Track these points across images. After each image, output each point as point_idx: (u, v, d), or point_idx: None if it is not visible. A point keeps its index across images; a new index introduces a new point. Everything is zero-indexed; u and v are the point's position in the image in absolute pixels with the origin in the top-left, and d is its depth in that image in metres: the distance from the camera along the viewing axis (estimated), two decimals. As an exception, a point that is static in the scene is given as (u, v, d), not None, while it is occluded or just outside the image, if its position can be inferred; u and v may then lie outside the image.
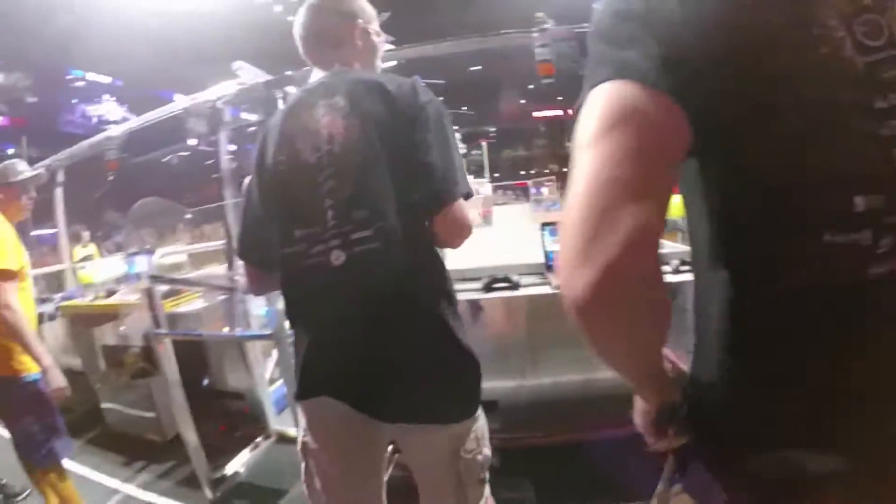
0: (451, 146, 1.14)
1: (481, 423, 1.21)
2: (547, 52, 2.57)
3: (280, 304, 1.97)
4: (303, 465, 1.24)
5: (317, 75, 1.26)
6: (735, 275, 0.58)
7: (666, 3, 0.53)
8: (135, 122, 3.78)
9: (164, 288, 2.76)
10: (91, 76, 17.94)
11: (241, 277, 2.69)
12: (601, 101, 0.53)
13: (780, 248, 0.54)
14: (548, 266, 2.50)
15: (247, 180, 1.30)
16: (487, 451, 1.21)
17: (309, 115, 1.16)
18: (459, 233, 1.14)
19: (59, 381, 1.96)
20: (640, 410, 0.77)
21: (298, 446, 1.24)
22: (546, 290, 2.33)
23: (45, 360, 1.93)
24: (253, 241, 1.27)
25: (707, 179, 0.58)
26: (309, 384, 1.16)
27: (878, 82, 0.52)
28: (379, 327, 1.08)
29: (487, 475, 1.22)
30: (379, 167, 1.09)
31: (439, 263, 1.18)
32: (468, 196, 1.15)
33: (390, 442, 1.30)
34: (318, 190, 1.11)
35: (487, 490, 1.24)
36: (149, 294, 2.34)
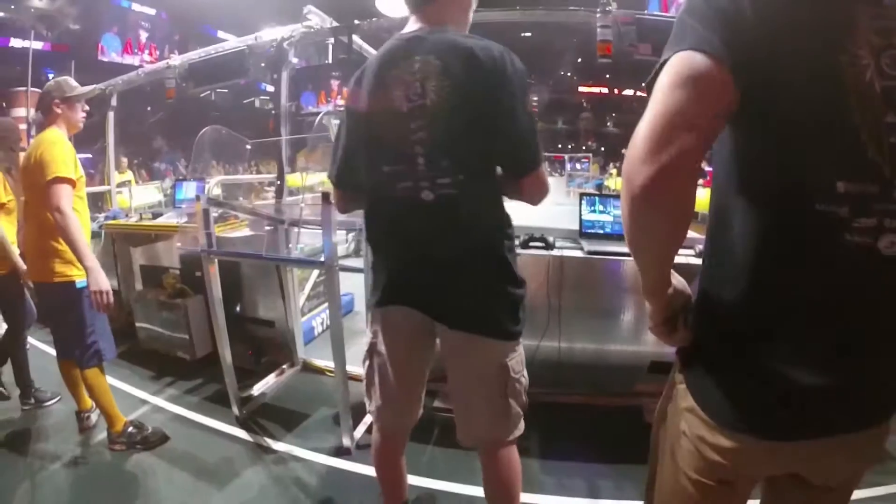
0: (533, 117, 1.34)
1: (522, 351, 1.43)
2: (609, 33, 2.68)
3: (334, 237, 2.14)
4: (366, 362, 1.54)
5: (412, 25, 1.38)
6: (752, 203, 0.76)
7: (743, 5, 0.70)
8: (194, 53, 3.92)
9: (214, 214, 2.93)
10: (136, 6, 18.06)
11: (287, 209, 2.88)
12: (682, 61, 0.70)
13: (786, 187, 0.73)
14: (582, 233, 2.65)
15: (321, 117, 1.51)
16: (526, 378, 1.44)
17: (404, 68, 1.30)
18: (542, 192, 1.36)
19: (102, 283, 2.09)
20: (653, 311, 0.90)
21: (366, 347, 1.53)
22: (577, 253, 2.46)
23: (88, 261, 2.07)
24: (346, 168, 1.46)
25: (737, 136, 0.76)
26: (390, 294, 1.43)
27: (891, 102, 0.70)
28: (454, 254, 1.32)
29: (526, 401, 1.44)
30: (463, 127, 1.26)
31: (505, 215, 1.40)
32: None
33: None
34: (408, 136, 1.29)
35: (522, 423, 1.46)
36: (205, 215, 2.50)
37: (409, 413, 1.56)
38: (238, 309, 3.28)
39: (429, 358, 1.52)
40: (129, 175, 6.93)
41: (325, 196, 2.03)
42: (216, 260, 2.50)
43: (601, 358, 2.62)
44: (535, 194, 1.37)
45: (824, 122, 0.70)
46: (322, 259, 2.13)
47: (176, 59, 3.99)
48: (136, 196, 5.62)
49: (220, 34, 18.07)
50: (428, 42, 1.31)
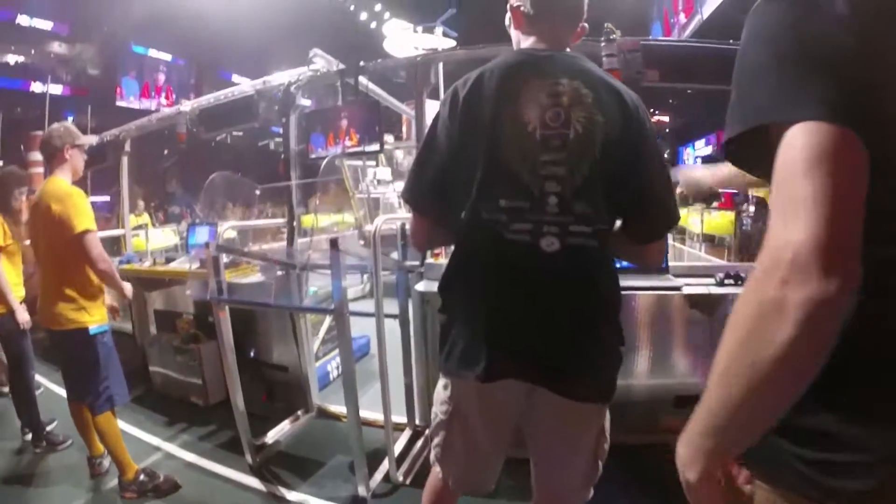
0: (671, 178, 1.28)
1: None
2: (615, 61, 2.69)
3: (345, 280, 2.15)
4: (445, 431, 1.33)
5: (537, 45, 1.24)
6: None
7: (841, 33, 0.58)
8: (204, 99, 4.04)
9: (226, 259, 2.97)
10: (153, 52, 18.75)
11: (298, 253, 2.90)
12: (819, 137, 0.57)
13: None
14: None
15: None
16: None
17: (542, 87, 1.15)
18: (661, 258, 1.35)
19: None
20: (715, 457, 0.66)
21: (444, 415, 1.32)
22: None
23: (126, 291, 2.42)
24: (435, 191, 1.24)
25: None
26: (495, 366, 1.17)
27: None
28: (582, 317, 1.18)
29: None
30: (607, 171, 1.14)
31: (616, 272, 1.29)
32: None
33: None
34: (538, 168, 1.13)
35: None
36: (215, 262, 2.53)
37: (492, 480, 1.42)
38: (252, 353, 3.29)
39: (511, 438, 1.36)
40: (146, 218, 7.09)
41: (333, 242, 2.04)
42: (227, 306, 2.52)
43: (624, 394, 2.55)
44: (656, 261, 1.33)
45: None
46: (332, 306, 2.13)
47: (187, 105, 4.11)
48: (153, 239, 5.73)
49: (235, 77, 18.55)
50: (565, 65, 1.19)
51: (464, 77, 1.23)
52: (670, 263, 2.55)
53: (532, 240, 1.15)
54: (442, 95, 1.34)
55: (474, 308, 1.22)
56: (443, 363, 1.28)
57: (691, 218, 9.03)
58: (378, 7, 18.91)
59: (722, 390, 0.61)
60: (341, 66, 3.09)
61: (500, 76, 1.18)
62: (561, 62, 1.19)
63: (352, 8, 19.02)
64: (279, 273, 2.90)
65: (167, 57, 19.42)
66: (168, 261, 3.73)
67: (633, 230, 1.25)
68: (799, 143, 0.57)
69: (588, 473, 1.33)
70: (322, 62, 3.23)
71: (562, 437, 1.30)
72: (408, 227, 2.25)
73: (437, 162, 1.23)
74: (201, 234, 3.81)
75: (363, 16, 19.25)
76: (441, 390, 1.34)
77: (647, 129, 1.19)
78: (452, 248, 1.36)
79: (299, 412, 3.05)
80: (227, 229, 3.16)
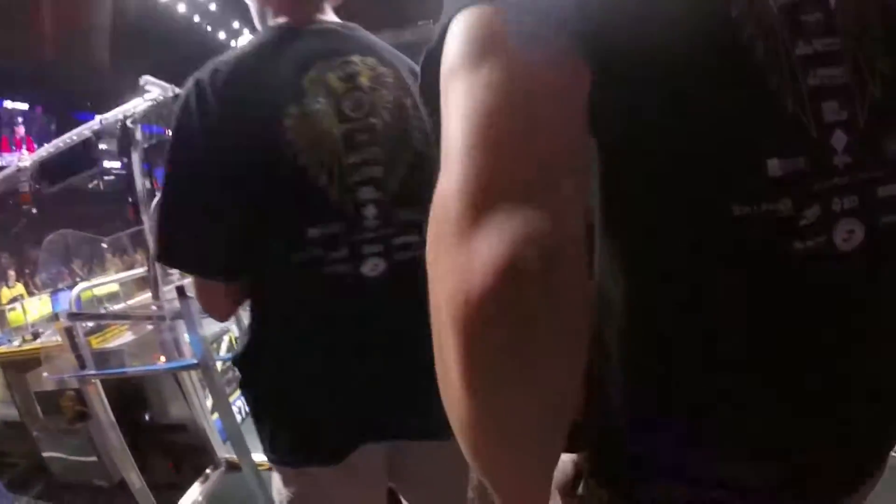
0: None
1: None
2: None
3: (205, 330, 1.97)
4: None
5: (297, 23, 0.95)
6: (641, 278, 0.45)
7: None
8: (44, 149, 3.68)
9: (90, 323, 2.72)
10: (8, 104, 17.21)
11: (167, 304, 2.67)
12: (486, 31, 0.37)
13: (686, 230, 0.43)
14: None
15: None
16: None
17: (332, 68, 0.89)
18: None
19: None
20: None
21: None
22: None
23: None
24: (203, 244, 0.91)
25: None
26: (338, 437, 0.94)
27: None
28: (416, 344, 0.85)
29: None
30: (428, 157, 0.90)
31: None
32: None
33: None
34: (347, 175, 0.87)
35: None
36: (69, 333, 2.30)
37: None
38: (147, 418, 3.05)
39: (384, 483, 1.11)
40: (19, 288, 6.50)
41: (180, 290, 1.86)
42: (96, 380, 2.30)
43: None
44: None
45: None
46: (195, 360, 1.95)
47: (26, 160, 3.73)
48: (32, 309, 5.25)
49: (98, 117, 17.41)
50: (351, 39, 0.95)
51: (202, 71, 0.89)
52: None
53: (352, 267, 0.88)
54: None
55: (294, 375, 0.94)
56: (268, 453, 0.99)
57: None
58: (236, 24, 18.05)
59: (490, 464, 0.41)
60: (178, 90, 2.85)
61: (267, 63, 0.89)
62: (345, 36, 0.96)
63: (209, 28, 18.06)
64: (149, 328, 2.68)
65: (23, 106, 17.86)
66: (35, 336, 3.39)
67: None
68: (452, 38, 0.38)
69: None
70: (157, 89, 2.98)
71: (442, 484, 1.05)
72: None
73: (195, 204, 0.89)
74: (66, 300, 3.49)
75: (221, 35, 18.33)
76: (278, 481, 1.02)
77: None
78: (250, 303, 1.01)
79: (208, 470, 2.85)
80: (82, 290, 2.87)
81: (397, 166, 0.91)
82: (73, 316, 2.35)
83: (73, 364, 2.29)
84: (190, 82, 0.89)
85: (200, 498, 2.67)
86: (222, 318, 1.10)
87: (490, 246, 0.31)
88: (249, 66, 0.90)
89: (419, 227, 0.90)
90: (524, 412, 0.34)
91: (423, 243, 0.78)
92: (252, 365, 0.99)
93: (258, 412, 1.00)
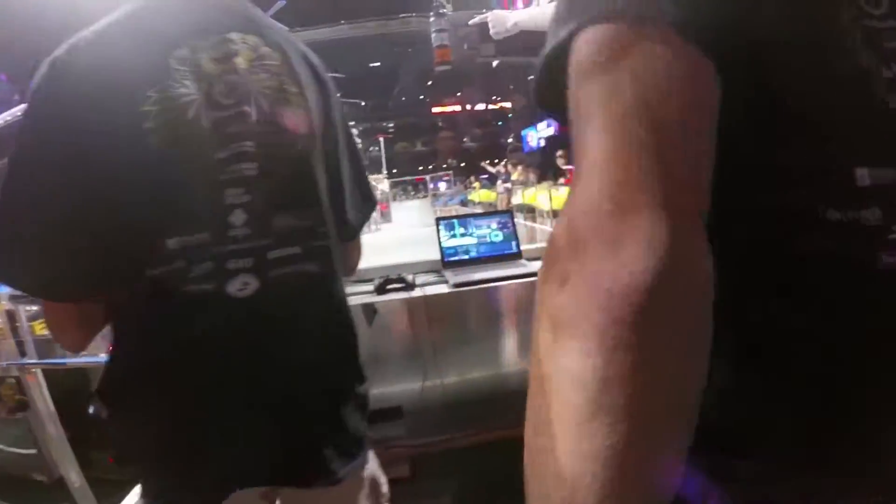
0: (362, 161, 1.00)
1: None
2: (445, 37, 2.55)
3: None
4: None
5: (158, 2, 0.81)
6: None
7: None
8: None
9: (34, 308, 2.58)
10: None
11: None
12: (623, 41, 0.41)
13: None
14: (444, 262, 2.45)
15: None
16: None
17: (205, 47, 0.77)
18: (359, 257, 1.06)
19: None
20: None
21: None
22: (442, 288, 2.26)
23: None
24: (47, 257, 0.75)
25: None
26: (211, 483, 0.82)
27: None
28: (293, 378, 0.84)
29: None
30: (314, 160, 0.82)
31: (345, 301, 0.95)
32: None
33: None
34: (215, 171, 0.76)
35: None
36: (11, 317, 2.17)
37: None
38: (92, 411, 2.91)
39: None
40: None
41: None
42: (37, 370, 2.18)
43: (497, 385, 2.51)
44: (355, 261, 1.05)
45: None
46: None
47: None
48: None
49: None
50: (230, 12, 0.83)
51: (61, 48, 0.75)
52: (523, 247, 2.43)
53: (216, 286, 0.76)
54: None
55: (157, 411, 0.81)
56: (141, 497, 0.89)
57: (540, 196, 9.20)
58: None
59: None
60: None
61: (132, 39, 0.76)
62: (227, 7, 0.83)
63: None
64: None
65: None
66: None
67: (354, 225, 0.98)
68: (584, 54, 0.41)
69: None
70: None
71: None
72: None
73: (48, 201, 0.74)
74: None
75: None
76: None
77: (337, 102, 0.93)
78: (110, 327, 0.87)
79: (153, 468, 2.73)
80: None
81: (274, 164, 0.79)
82: (14, 298, 2.21)
83: (12, 351, 2.15)
84: (45, 62, 0.74)
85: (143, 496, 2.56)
86: (75, 347, 0.92)
87: (638, 259, 0.34)
88: (112, 41, 0.76)
89: (300, 236, 0.80)
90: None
91: (303, 257, 0.79)
92: (113, 398, 0.86)
93: (122, 453, 0.91)
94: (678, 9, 0.39)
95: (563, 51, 0.43)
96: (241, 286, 0.77)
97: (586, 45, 0.41)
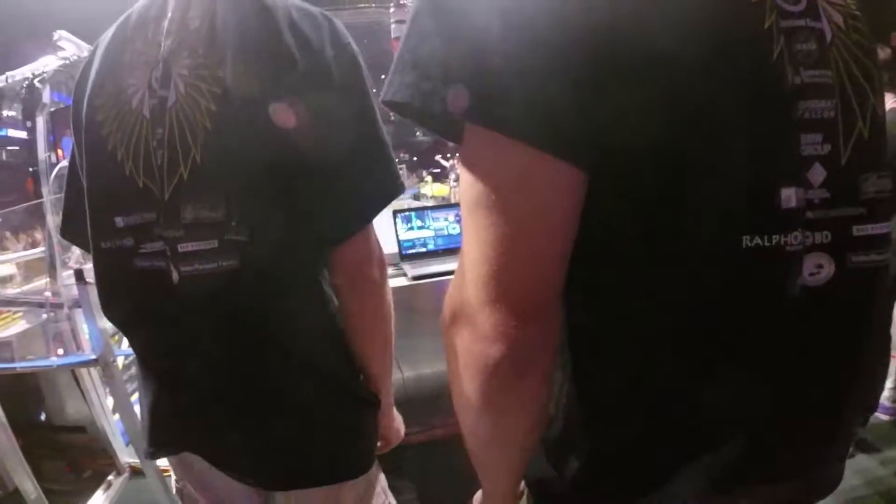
0: (379, 132, 0.86)
1: (381, 475, 1.07)
2: (403, 28, 2.55)
3: (106, 321, 1.86)
4: None
5: None
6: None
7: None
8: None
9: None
10: None
11: (65, 289, 2.51)
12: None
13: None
14: (402, 255, 2.48)
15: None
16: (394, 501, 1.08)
17: (149, 33, 0.81)
18: (374, 279, 0.91)
19: None
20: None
21: (173, 490, 1.10)
22: (401, 281, 2.29)
23: None
24: (71, 220, 0.98)
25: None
26: (160, 438, 0.93)
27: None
28: (243, 366, 0.85)
29: None
30: (239, 147, 0.77)
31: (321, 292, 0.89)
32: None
33: None
34: (152, 161, 0.79)
35: None
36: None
37: None
38: (42, 417, 2.87)
39: None
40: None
41: (79, 273, 1.75)
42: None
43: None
44: (364, 281, 0.89)
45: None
46: (93, 356, 1.84)
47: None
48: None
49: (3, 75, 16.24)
50: None
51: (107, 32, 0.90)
52: None
53: (166, 265, 0.80)
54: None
55: (138, 366, 0.96)
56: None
57: None
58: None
59: (484, 459, 0.66)
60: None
61: (112, 32, 0.86)
62: None
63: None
64: (45, 316, 2.51)
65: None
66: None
67: (319, 224, 0.84)
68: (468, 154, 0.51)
69: None
70: (72, 47, 2.79)
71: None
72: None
73: (67, 180, 0.98)
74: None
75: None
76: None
77: (325, 60, 0.80)
78: None
79: (110, 477, 2.70)
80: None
81: (185, 152, 0.78)
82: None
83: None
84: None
85: (105, 506, 2.55)
86: None
87: (497, 344, 0.50)
88: (117, 33, 0.86)
89: (214, 228, 0.79)
90: (513, 428, 0.58)
91: (225, 249, 0.80)
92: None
93: None
94: (539, 120, 0.45)
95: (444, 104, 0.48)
96: (184, 272, 0.81)
97: (468, 143, 0.51)
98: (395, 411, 1.13)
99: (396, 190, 0.88)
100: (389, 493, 1.09)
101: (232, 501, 0.99)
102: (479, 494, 0.77)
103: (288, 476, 0.90)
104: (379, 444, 1.08)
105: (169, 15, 0.80)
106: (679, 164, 0.47)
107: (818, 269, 0.49)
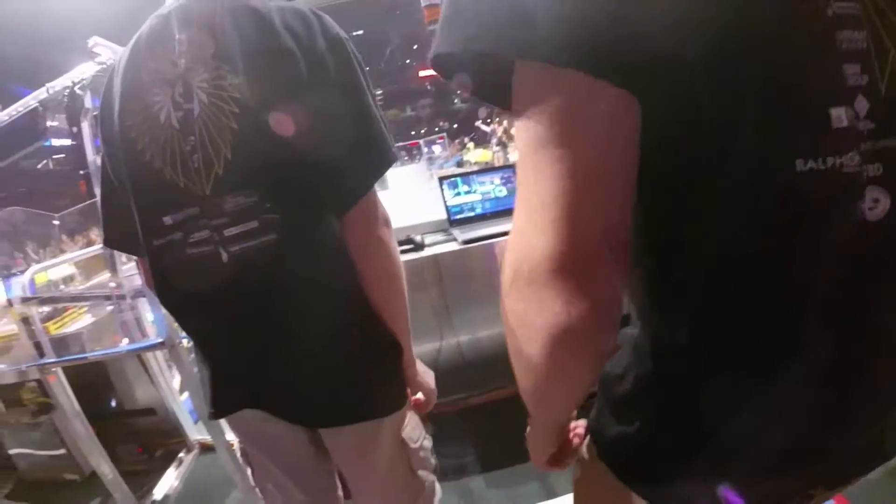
0: (368, 108, 0.97)
1: (412, 414, 1.20)
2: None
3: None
4: (248, 470, 1.26)
5: (166, 7, 0.98)
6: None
7: None
8: (-18, 125, 3.54)
9: (46, 309, 2.67)
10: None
11: (126, 281, 2.63)
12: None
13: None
14: (451, 221, 2.51)
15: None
16: (428, 439, 1.24)
17: (164, 57, 0.92)
18: (381, 242, 1.02)
19: None
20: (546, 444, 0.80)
21: (238, 453, 1.25)
22: (452, 246, 2.31)
23: None
24: (121, 224, 1.07)
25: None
26: (220, 400, 1.07)
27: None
28: (278, 334, 0.99)
29: (435, 464, 1.25)
30: (261, 138, 0.89)
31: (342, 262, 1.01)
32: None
33: None
34: (189, 163, 0.92)
35: (437, 487, 1.28)
36: (25, 320, 2.26)
37: None
38: (113, 404, 3.03)
39: (319, 456, 1.20)
40: (-31, 277, 6.33)
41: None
42: (56, 368, 2.27)
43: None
44: (372, 238, 1.01)
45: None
46: (161, 339, 1.93)
47: (-37, 138, 3.60)
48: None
49: (46, 85, 16.71)
50: (187, 14, 0.93)
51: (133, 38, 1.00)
52: None
53: (214, 248, 0.94)
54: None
55: (195, 345, 1.12)
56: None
57: None
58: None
59: (543, 403, 0.65)
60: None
61: (128, 56, 0.98)
62: (184, 11, 0.94)
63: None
64: (109, 308, 2.63)
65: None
66: (-13, 326, 3.32)
67: (329, 195, 0.97)
68: (534, 100, 0.48)
69: (413, 492, 1.21)
70: (107, 52, 2.88)
71: (351, 468, 1.19)
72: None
73: (109, 190, 1.08)
74: (19, 286, 3.40)
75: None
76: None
77: (317, 50, 0.92)
78: None
79: (181, 454, 2.84)
80: (35, 273, 2.80)
81: (217, 150, 0.91)
82: (26, 300, 2.30)
83: (32, 353, 2.24)
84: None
85: (175, 483, 2.67)
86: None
87: (571, 304, 0.48)
88: (132, 57, 0.97)
89: (253, 211, 0.92)
90: (577, 379, 0.58)
91: (266, 227, 0.93)
92: None
93: None
94: (595, 49, 0.44)
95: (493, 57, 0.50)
96: (225, 254, 0.95)
97: (520, 85, 0.50)
98: (422, 365, 1.23)
99: (391, 159, 1.01)
100: (423, 428, 1.23)
101: (283, 447, 1.16)
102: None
103: (334, 414, 1.05)
104: (421, 399, 1.22)
105: (177, 37, 0.92)
106: (732, 89, 0.46)
107: (875, 204, 0.48)
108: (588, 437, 0.79)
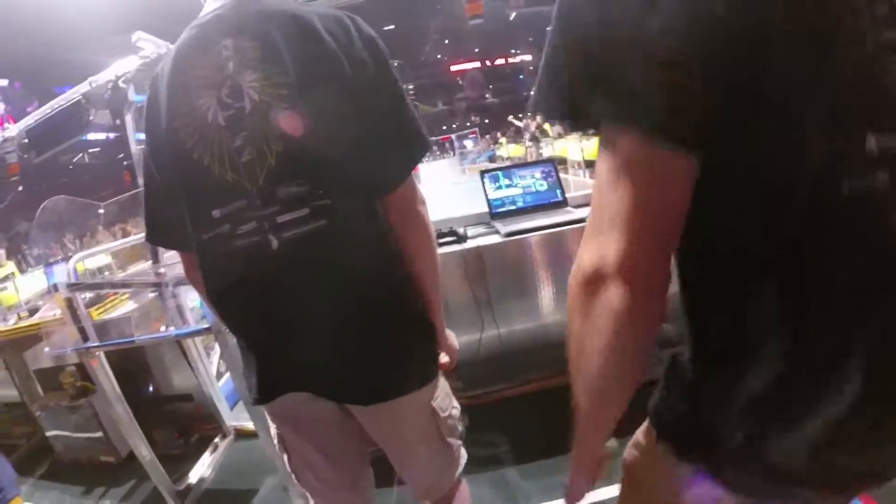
0: (402, 100, 1.06)
1: (443, 382, 1.26)
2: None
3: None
4: (285, 456, 1.29)
5: (212, 4, 1.05)
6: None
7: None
8: (31, 117, 3.65)
9: (88, 295, 2.74)
10: (-12, 81, 17.06)
11: (167, 269, 2.70)
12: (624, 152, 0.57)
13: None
14: (492, 214, 2.53)
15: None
16: (457, 407, 1.30)
17: (210, 61, 0.99)
18: (418, 221, 1.12)
19: None
20: (592, 452, 0.81)
21: (275, 440, 1.27)
22: (495, 239, 2.33)
23: None
24: (163, 221, 1.14)
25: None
26: (266, 386, 1.13)
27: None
28: (339, 318, 1.05)
29: (462, 430, 1.32)
30: (308, 131, 0.96)
31: (388, 247, 1.09)
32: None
33: None
34: (237, 157, 0.98)
35: (462, 451, 1.35)
36: (70, 305, 2.32)
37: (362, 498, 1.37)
38: (151, 389, 3.10)
39: (354, 435, 1.26)
40: (9, 266, 6.50)
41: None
42: (99, 353, 2.33)
43: (547, 335, 2.58)
44: (413, 215, 1.11)
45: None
46: (207, 326, 1.98)
47: (12, 130, 3.72)
48: (26, 287, 5.27)
49: (89, 79, 17.21)
50: (230, 21, 1.00)
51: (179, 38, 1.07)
52: (567, 195, 2.52)
53: (263, 238, 1.01)
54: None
55: (238, 335, 1.17)
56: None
57: (569, 147, 10.55)
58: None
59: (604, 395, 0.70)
60: (171, 46, 2.81)
61: (170, 65, 1.04)
62: (226, 20, 1.01)
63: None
64: (151, 295, 2.69)
65: (3, 83, 17.74)
66: (32, 312, 3.42)
67: (375, 179, 1.05)
68: (605, 147, 0.59)
69: (444, 457, 1.28)
70: (150, 46, 2.95)
71: (388, 438, 1.24)
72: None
73: (153, 187, 1.13)
74: (60, 274, 3.50)
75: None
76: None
77: (355, 51, 1.00)
78: None
79: (216, 440, 2.90)
80: (79, 260, 2.87)
81: (269, 144, 0.98)
82: (72, 286, 2.35)
83: (75, 337, 2.29)
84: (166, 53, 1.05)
85: (210, 468, 2.73)
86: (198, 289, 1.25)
87: (649, 294, 0.61)
88: (177, 65, 1.03)
89: (304, 199, 0.99)
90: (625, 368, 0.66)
91: (315, 214, 0.99)
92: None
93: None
94: (655, 117, 0.54)
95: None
96: (272, 241, 1.00)
97: (606, 142, 0.59)
98: (447, 330, 1.31)
99: (427, 147, 1.10)
100: (452, 396, 1.29)
101: (322, 428, 1.22)
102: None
103: (380, 391, 1.11)
104: (446, 360, 1.29)
105: (223, 42, 0.99)
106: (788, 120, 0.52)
107: None
108: (646, 422, 0.81)
